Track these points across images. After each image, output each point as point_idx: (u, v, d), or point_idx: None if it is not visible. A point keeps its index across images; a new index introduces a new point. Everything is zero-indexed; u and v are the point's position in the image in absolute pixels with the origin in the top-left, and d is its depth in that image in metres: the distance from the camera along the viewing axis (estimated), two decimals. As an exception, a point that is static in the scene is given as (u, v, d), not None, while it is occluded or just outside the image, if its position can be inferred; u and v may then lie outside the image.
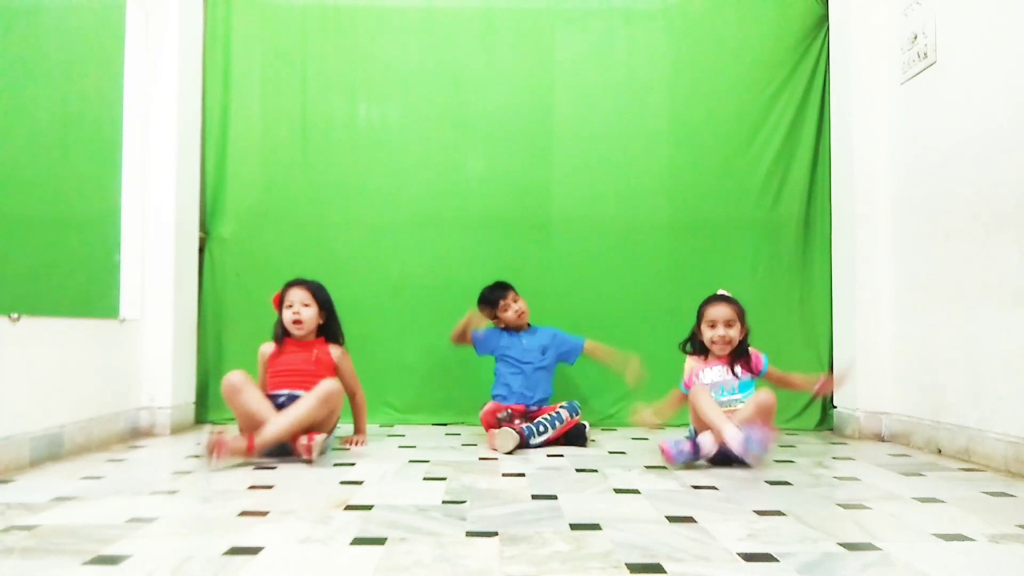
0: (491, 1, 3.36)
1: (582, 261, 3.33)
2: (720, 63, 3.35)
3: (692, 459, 2.22)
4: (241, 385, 2.28)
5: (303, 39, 3.33)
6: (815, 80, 3.32)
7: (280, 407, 2.33)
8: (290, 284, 2.59)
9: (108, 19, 2.76)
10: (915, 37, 2.74)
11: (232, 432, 2.27)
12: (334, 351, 2.61)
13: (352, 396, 2.69)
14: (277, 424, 2.24)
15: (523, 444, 2.56)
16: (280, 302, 2.58)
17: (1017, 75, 2.22)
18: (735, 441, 2.11)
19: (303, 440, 2.23)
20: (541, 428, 2.61)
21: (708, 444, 2.19)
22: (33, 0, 2.37)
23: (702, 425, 2.26)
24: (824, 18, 3.29)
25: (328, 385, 2.34)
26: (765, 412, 2.19)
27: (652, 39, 3.36)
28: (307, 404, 2.29)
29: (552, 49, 3.37)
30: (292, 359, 2.52)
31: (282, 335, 2.56)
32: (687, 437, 2.32)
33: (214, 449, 2.12)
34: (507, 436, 2.51)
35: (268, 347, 2.58)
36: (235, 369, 2.35)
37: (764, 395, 2.23)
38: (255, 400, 2.28)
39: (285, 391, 2.45)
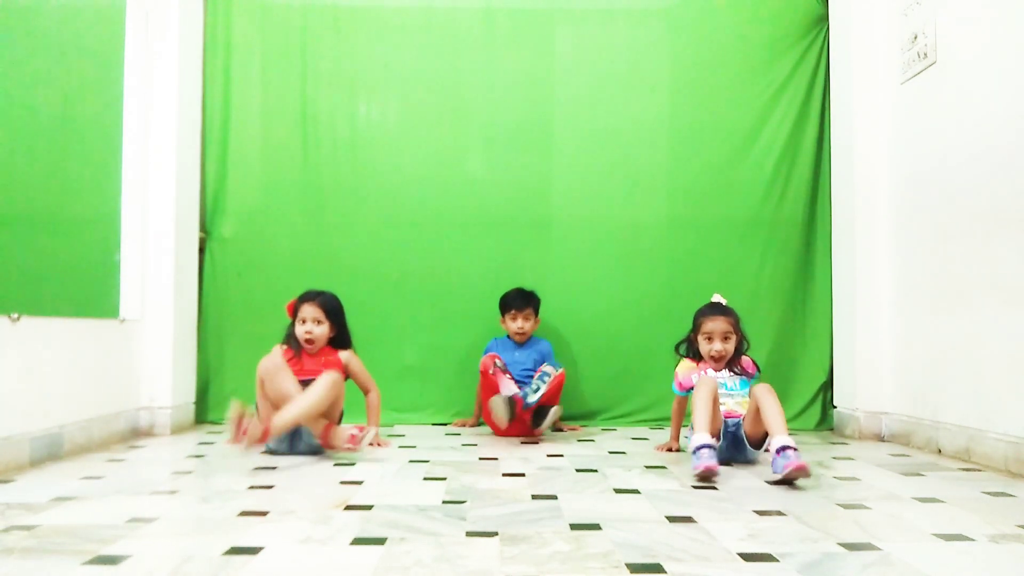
0: (491, 1, 3.36)
1: (582, 260, 3.32)
2: (720, 62, 3.34)
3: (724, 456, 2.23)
4: (280, 366, 2.40)
5: (303, 39, 3.33)
6: (816, 80, 3.31)
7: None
8: (305, 299, 2.59)
9: (108, 19, 2.76)
10: (915, 37, 2.74)
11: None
12: (343, 354, 2.62)
13: (366, 393, 2.70)
14: (292, 410, 2.30)
15: (521, 407, 2.70)
16: (294, 312, 2.60)
17: (1017, 75, 2.22)
18: (693, 447, 2.05)
19: (345, 433, 2.31)
20: (535, 387, 2.74)
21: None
22: (33, 0, 2.37)
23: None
24: (824, 17, 3.29)
25: (332, 375, 2.41)
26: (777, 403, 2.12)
27: (652, 38, 3.36)
28: (318, 390, 2.34)
29: (552, 49, 3.36)
30: (304, 364, 2.53)
31: (297, 348, 2.56)
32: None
33: (239, 432, 2.22)
34: (499, 404, 2.66)
35: (273, 358, 2.46)
36: (268, 354, 2.44)
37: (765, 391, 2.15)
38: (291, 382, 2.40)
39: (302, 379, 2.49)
